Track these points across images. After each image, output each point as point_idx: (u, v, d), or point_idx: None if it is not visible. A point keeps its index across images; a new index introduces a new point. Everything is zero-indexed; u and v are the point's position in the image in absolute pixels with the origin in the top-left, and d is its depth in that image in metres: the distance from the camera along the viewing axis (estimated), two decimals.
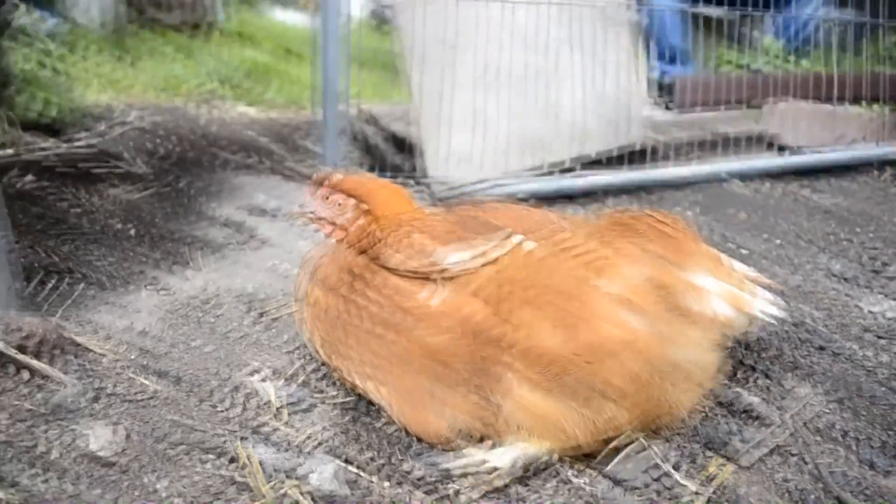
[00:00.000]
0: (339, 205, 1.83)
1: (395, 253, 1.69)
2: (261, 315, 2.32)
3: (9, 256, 2.08)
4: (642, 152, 3.97)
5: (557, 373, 1.52)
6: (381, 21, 10.23)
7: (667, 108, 4.77)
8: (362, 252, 1.78)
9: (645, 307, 1.56)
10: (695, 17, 4.79)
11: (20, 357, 1.92)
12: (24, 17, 5.16)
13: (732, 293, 1.74)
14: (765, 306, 1.82)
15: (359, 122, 4.60)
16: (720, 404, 1.79)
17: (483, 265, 1.61)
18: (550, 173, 3.73)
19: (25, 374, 1.93)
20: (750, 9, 4.22)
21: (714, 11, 4.54)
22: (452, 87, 3.57)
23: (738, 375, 1.93)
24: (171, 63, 9.18)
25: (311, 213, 1.85)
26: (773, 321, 1.84)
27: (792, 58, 5.10)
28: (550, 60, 3.70)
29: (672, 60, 5.11)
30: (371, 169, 3.81)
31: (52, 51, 6.03)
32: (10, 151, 4.09)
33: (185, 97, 7.43)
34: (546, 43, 3.68)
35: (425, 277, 1.64)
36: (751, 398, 1.82)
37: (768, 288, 1.89)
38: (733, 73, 5.02)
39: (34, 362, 1.93)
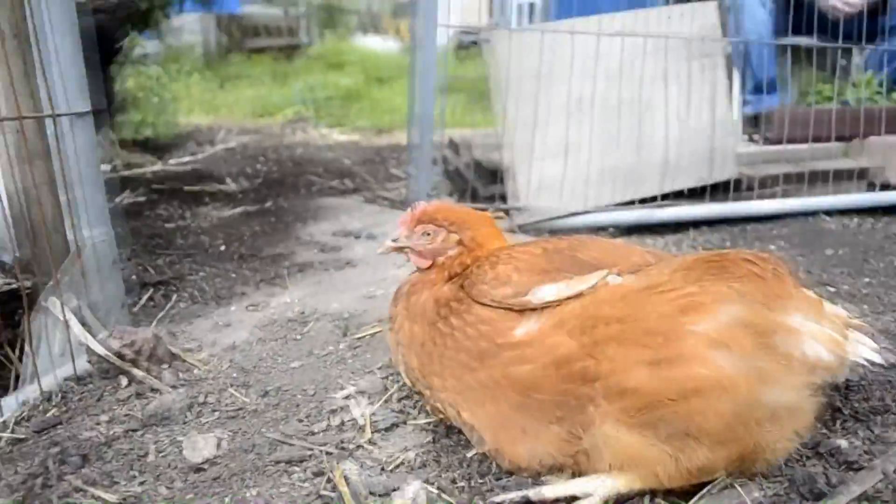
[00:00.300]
0: (433, 235, 1.86)
1: (481, 284, 1.71)
2: (345, 335, 2.37)
3: (122, 273, 2.20)
4: (728, 183, 3.90)
5: (642, 410, 1.49)
6: (462, 47, 10.44)
7: (760, 141, 4.67)
8: (452, 281, 1.81)
9: (737, 349, 1.52)
10: (790, 49, 4.68)
11: (126, 366, 2.02)
12: (134, 43, 5.48)
13: (830, 337, 1.67)
14: (863, 351, 1.74)
15: (445, 149, 4.68)
16: (816, 451, 1.73)
17: (569, 297, 1.61)
18: (632, 202, 3.70)
19: (127, 381, 2.04)
20: (850, 41, 4.11)
21: (809, 43, 4.43)
22: (542, 118, 3.59)
23: (835, 422, 1.86)
24: (264, 87, 9.58)
25: (406, 245, 1.89)
26: (871, 367, 1.77)
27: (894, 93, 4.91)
28: (642, 93, 3.68)
29: (765, 93, 5.00)
30: (460, 196, 3.85)
31: (155, 75, 6.38)
32: (117, 170, 4.34)
33: (276, 120, 7.73)
34: (638, 76, 3.67)
35: (511, 309, 1.65)
36: (848, 446, 1.75)
37: (867, 332, 1.82)
38: (829, 106, 4.88)
39: (138, 371, 2.03)
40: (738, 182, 3.95)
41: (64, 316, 2.03)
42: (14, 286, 2.12)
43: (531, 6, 14.78)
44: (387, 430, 1.85)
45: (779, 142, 4.28)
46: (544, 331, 1.60)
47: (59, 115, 1.99)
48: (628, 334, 1.54)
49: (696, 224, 3.71)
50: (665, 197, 3.73)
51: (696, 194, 3.81)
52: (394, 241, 1.90)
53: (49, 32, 1.97)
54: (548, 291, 1.63)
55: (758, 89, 4.92)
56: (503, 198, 3.69)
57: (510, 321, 1.65)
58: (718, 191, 3.86)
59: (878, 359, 1.74)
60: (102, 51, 2.18)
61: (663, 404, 1.48)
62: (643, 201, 3.71)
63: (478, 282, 1.73)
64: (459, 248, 1.85)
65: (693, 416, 1.47)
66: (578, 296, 1.62)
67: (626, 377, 1.51)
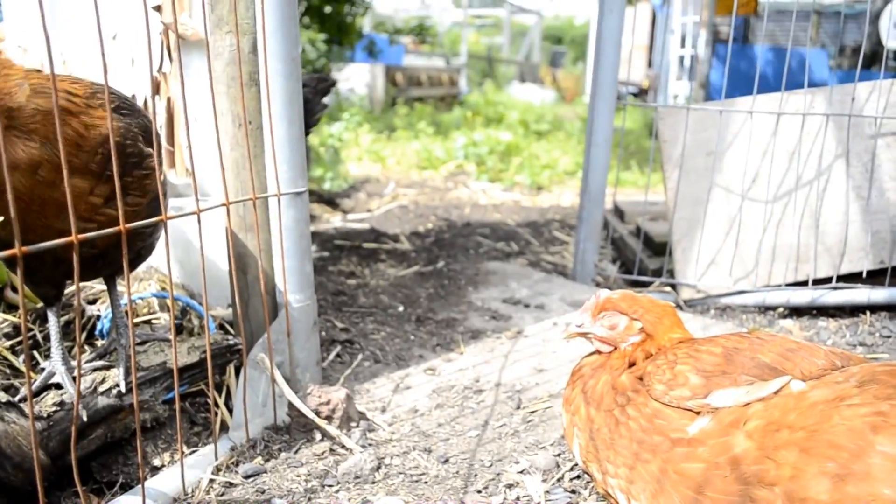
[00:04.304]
0: (616, 322, 1.94)
1: (659, 383, 1.77)
2: (519, 407, 2.47)
3: (319, 333, 2.42)
4: None
5: None
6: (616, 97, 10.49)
7: None
8: (631, 369, 1.88)
9: None
10: None
11: (321, 423, 2.22)
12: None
13: None
14: None
15: (610, 214, 4.72)
16: None
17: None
18: (804, 283, 3.59)
19: (320, 437, 2.24)
20: None
21: None
22: (714, 194, 3.59)
23: None
24: (427, 138, 10.02)
25: (590, 331, 1.98)
26: None
27: None
28: (818, 171, 3.60)
29: None
30: (625, 267, 3.87)
31: (338, 134, 6.84)
32: None
33: (438, 172, 8.05)
34: (813, 153, 3.59)
35: (687, 409, 1.70)
36: None
37: None
38: None
39: (331, 429, 2.22)
40: None
41: (272, 371, 2.27)
42: (231, 342, 2.39)
43: (694, 59, 14.60)
44: None
45: None
46: (721, 430, 1.64)
47: (283, 195, 2.25)
48: (814, 443, 1.55)
49: (874, 309, 3.54)
50: (841, 279, 3.59)
51: (875, 277, 3.64)
52: (578, 326, 2.00)
53: (277, 120, 2.25)
54: (726, 397, 1.67)
55: None
56: (670, 272, 3.69)
57: (685, 418, 1.70)
58: None
59: None
60: (305, 124, 2.44)
61: None
62: (817, 282, 3.59)
63: (655, 380, 1.79)
64: (642, 336, 1.92)
65: None
66: (758, 400, 1.65)
67: (808, 486, 1.51)
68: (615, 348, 1.97)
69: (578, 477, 2.06)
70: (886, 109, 3.61)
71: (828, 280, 3.59)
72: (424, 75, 16.84)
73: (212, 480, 2.02)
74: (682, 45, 14.85)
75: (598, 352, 2.02)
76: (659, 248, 3.96)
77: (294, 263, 2.35)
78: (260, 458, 2.15)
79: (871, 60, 10.69)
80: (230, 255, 2.30)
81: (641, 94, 16.83)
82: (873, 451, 1.51)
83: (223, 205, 1.97)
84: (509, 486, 2.01)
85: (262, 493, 1.96)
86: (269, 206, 2.36)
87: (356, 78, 13.96)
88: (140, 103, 2.94)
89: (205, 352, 2.33)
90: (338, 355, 2.83)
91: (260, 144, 2.34)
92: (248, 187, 2.27)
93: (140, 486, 1.80)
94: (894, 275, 3.61)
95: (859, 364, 1.77)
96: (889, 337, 3.32)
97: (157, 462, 2.23)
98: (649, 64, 18.36)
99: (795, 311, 3.57)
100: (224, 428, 2.38)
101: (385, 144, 9.52)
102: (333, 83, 3.58)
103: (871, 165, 3.60)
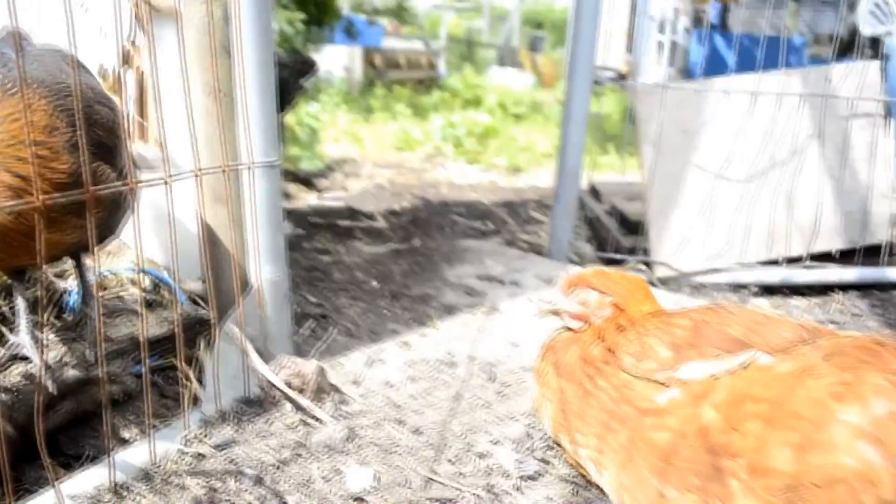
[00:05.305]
0: (586, 298, 1.95)
1: (628, 356, 1.78)
2: (492, 380, 2.48)
3: (291, 306, 2.41)
4: (881, 247, 3.75)
5: (785, 490, 1.51)
6: (596, 83, 10.48)
7: None
8: (602, 341, 1.89)
9: (885, 443, 1.51)
10: None
11: (293, 395, 2.22)
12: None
13: None
14: None
15: (586, 194, 4.73)
16: None
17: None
18: (777, 262, 3.63)
19: (292, 408, 2.23)
20: None
21: None
22: (689, 173, 3.61)
23: None
24: (405, 119, 9.97)
25: (562, 309, 1.99)
26: None
27: None
28: (795, 151, 3.63)
29: None
30: (601, 246, 3.89)
31: (314, 114, 6.79)
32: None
33: (415, 154, 8.03)
34: (792, 134, 3.62)
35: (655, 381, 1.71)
36: None
37: None
38: None
39: (303, 400, 2.21)
40: (893, 245, 3.80)
41: (243, 343, 2.25)
42: (202, 314, 2.37)
43: (673, 44, 14.63)
44: (531, 478, 1.95)
45: None
46: (689, 401, 1.65)
47: (255, 165, 2.23)
48: (776, 414, 1.56)
49: (844, 288, 3.59)
50: (813, 258, 3.64)
51: (846, 256, 3.70)
52: (549, 303, 2.00)
53: (249, 90, 2.22)
54: (693, 370, 1.69)
55: None
56: (645, 250, 3.72)
57: (654, 388, 1.71)
58: (871, 254, 3.72)
59: None
60: (280, 101, 2.42)
61: (807, 488, 1.49)
62: (789, 261, 3.63)
63: (625, 352, 1.80)
64: (614, 310, 1.93)
65: (830, 500, 1.48)
66: (726, 372, 1.66)
67: (770, 456, 1.53)
68: (588, 324, 1.98)
69: (549, 447, 2.08)
70: (861, 91, 3.64)
71: (800, 259, 3.64)
72: (403, 58, 16.69)
73: (182, 452, 2.00)
74: (661, 31, 14.87)
75: (570, 329, 2.03)
76: (634, 227, 3.98)
77: (266, 235, 2.32)
78: (231, 429, 2.13)
79: (847, 47, 10.78)
80: (201, 227, 2.28)
81: (620, 79, 16.84)
82: (835, 420, 1.52)
83: (194, 174, 1.94)
84: (481, 456, 2.02)
85: (233, 463, 1.95)
86: (242, 178, 2.34)
87: (333, 59, 13.82)
88: (111, 74, 2.89)
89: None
90: (311, 329, 2.82)
91: (232, 115, 2.31)
92: (220, 158, 2.24)
93: (108, 457, 1.78)
94: (865, 255, 3.67)
95: (827, 337, 1.79)
96: (859, 315, 3.37)
97: (126, 435, 2.21)
98: (628, 49, 18.38)
99: (768, 290, 3.61)
100: (196, 401, 2.36)
101: (363, 125, 9.46)
102: (314, 66, 3.53)
103: (845, 147, 3.64)
